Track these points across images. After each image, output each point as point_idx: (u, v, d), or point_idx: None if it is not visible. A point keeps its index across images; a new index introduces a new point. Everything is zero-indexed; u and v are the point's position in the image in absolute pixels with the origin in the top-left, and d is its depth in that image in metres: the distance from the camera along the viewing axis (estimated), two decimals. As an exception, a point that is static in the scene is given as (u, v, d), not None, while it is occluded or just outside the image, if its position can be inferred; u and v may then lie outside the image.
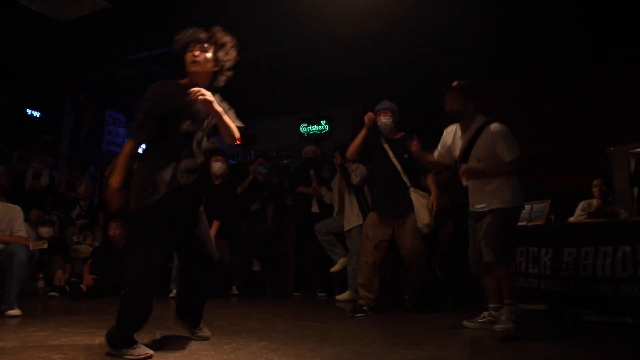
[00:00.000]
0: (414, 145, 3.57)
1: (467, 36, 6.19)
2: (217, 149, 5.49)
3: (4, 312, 3.47)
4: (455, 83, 3.16)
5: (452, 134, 3.25)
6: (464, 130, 3.13)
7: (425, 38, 6.32)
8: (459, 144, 3.18)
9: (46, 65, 7.73)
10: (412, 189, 3.84)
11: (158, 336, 2.75)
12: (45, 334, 2.80)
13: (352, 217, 4.87)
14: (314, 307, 4.65)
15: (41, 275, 5.15)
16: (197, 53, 2.33)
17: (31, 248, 3.80)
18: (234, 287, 5.24)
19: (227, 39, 2.40)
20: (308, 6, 5.75)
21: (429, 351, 2.46)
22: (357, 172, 4.87)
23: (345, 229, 4.90)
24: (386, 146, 3.97)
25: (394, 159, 3.92)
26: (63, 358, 2.22)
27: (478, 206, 3.10)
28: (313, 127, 8.61)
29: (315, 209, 5.45)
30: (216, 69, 2.40)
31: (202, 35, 2.35)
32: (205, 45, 2.35)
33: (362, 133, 3.93)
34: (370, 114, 3.92)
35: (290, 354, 2.30)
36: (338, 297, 4.81)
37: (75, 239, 5.50)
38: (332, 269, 4.96)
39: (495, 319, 3.04)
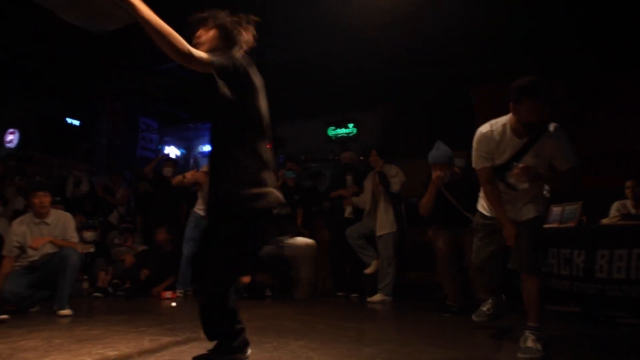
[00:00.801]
0: None
1: (492, 37, 6.20)
2: None
3: (57, 311, 3.71)
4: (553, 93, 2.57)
5: (494, 134, 2.72)
6: (518, 132, 2.63)
7: (451, 40, 6.35)
8: (510, 144, 2.66)
9: (84, 77, 8.09)
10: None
11: (201, 335, 2.90)
12: (97, 332, 3.00)
13: (385, 224, 4.97)
14: (347, 308, 4.76)
15: (85, 277, 5.42)
16: (199, 34, 2.13)
17: (80, 251, 4.07)
18: (267, 289, 5.39)
19: (227, 15, 2.15)
20: (335, 10, 5.86)
21: (465, 352, 2.53)
22: (397, 180, 4.97)
23: (378, 234, 4.99)
24: (445, 192, 4.00)
25: (453, 201, 3.97)
26: (118, 355, 2.39)
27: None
28: (340, 130, 8.71)
29: (348, 214, 5.50)
30: (222, 45, 2.10)
31: (201, 14, 2.16)
32: (208, 23, 2.13)
33: (432, 191, 3.99)
34: (438, 174, 3.91)
35: (329, 353, 2.41)
36: (369, 299, 4.90)
37: (116, 241, 5.77)
38: (367, 271, 5.05)
39: (498, 306, 3.09)
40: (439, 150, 3.99)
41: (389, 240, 4.93)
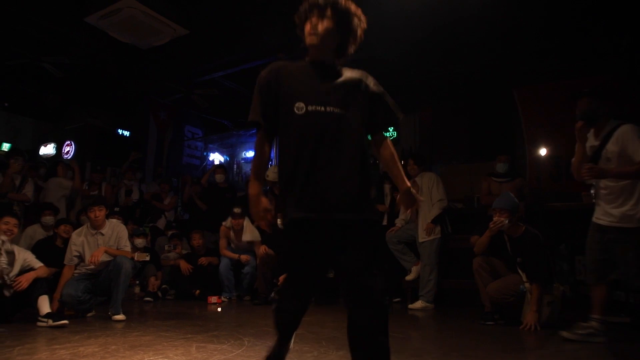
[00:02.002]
0: None
1: (535, 36, 6.02)
2: None
3: (111, 316, 3.95)
4: (586, 89, 3.22)
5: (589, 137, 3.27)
6: (597, 134, 3.17)
7: (492, 40, 6.21)
8: (590, 145, 3.20)
9: (132, 90, 8.51)
10: (527, 285, 3.73)
11: (245, 343, 3.01)
12: (148, 338, 3.16)
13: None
14: (389, 316, 4.74)
15: (137, 282, 5.70)
16: (314, 20, 1.83)
17: (136, 259, 4.33)
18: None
19: (351, 4, 1.88)
20: (372, 13, 5.86)
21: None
22: (438, 194, 4.98)
23: (420, 240, 4.97)
24: (506, 240, 3.96)
25: (510, 252, 3.94)
26: (168, 362, 2.53)
27: (603, 220, 3.09)
28: (380, 134, 8.69)
29: (384, 221, 5.48)
30: (338, 40, 1.85)
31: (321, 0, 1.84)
32: (327, 11, 1.82)
33: (488, 235, 3.96)
34: (497, 217, 3.88)
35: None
36: (410, 305, 4.89)
37: (166, 247, 6.02)
38: (408, 277, 5.05)
39: (596, 331, 2.98)
40: (504, 197, 3.99)
41: (432, 247, 4.90)
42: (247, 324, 3.80)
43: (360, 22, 1.88)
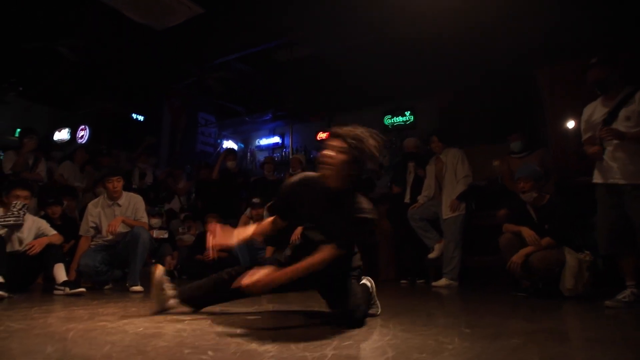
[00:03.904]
0: None
1: (558, 12, 5.83)
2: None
3: (129, 287, 3.86)
4: (594, 59, 3.19)
5: (592, 108, 3.24)
6: (610, 98, 3.11)
7: (512, 19, 6.04)
8: (602, 112, 3.13)
9: (147, 74, 8.43)
10: (565, 249, 3.59)
11: (270, 307, 2.90)
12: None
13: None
14: (411, 294, 4.60)
15: (153, 260, 5.62)
16: (329, 151, 2.11)
17: (155, 237, 4.22)
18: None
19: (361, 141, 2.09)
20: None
21: (545, 324, 2.36)
22: (462, 170, 4.86)
23: (444, 217, 4.82)
24: (531, 211, 3.81)
25: (536, 220, 3.78)
26: (191, 320, 2.43)
27: (619, 180, 3.00)
28: (397, 118, 8.54)
29: (407, 199, 5.32)
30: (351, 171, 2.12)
31: (338, 131, 2.14)
32: (342, 144, 2.08)
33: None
34: (521, 185, 3.78)
35: (398, 328, 2.32)
36: (434, 283, 4.75)
37: (180, 229, 5.95)
38: (430, 255, 4.89)
39: (635, 297, 2.97)
40: (526, 166, 3.93)
41: (456, 223, 4.75)
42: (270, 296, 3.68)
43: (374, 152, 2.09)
